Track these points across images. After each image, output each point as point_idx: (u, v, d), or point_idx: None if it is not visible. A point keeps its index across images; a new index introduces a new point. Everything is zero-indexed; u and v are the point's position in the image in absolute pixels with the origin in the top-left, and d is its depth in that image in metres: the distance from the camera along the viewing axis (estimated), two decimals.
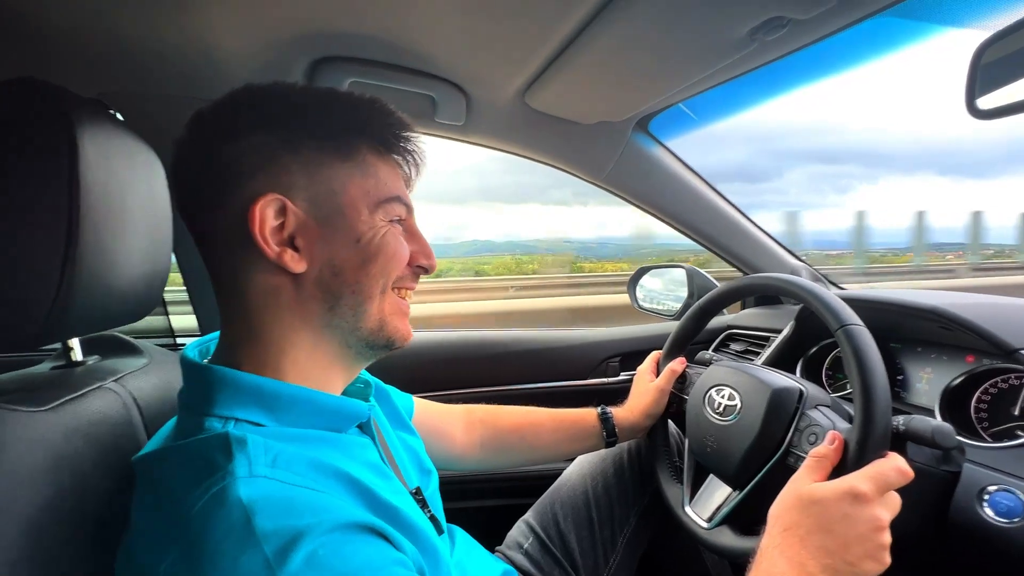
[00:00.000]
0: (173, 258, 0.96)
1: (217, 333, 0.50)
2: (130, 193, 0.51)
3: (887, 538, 0.48)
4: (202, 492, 0.35)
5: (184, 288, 1.04)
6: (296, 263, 0.44)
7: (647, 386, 0.86)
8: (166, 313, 1.13)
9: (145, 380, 0.60)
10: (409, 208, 0.50)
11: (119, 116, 0.81)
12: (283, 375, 0.45)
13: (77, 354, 0.59)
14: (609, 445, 0.84)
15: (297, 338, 0.46)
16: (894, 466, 0.50)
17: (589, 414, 0.85)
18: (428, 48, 0.75)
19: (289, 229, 0.44)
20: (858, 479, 0.49)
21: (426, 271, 0.52)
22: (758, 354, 1.04)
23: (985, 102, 0.46)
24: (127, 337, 0.69)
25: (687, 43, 0.66)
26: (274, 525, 0.33)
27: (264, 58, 0.76)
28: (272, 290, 0.45)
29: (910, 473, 0.50)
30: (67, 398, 0.48)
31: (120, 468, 0.49)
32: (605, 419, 0.83)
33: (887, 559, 0.48)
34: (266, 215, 0.42)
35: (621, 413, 0.85)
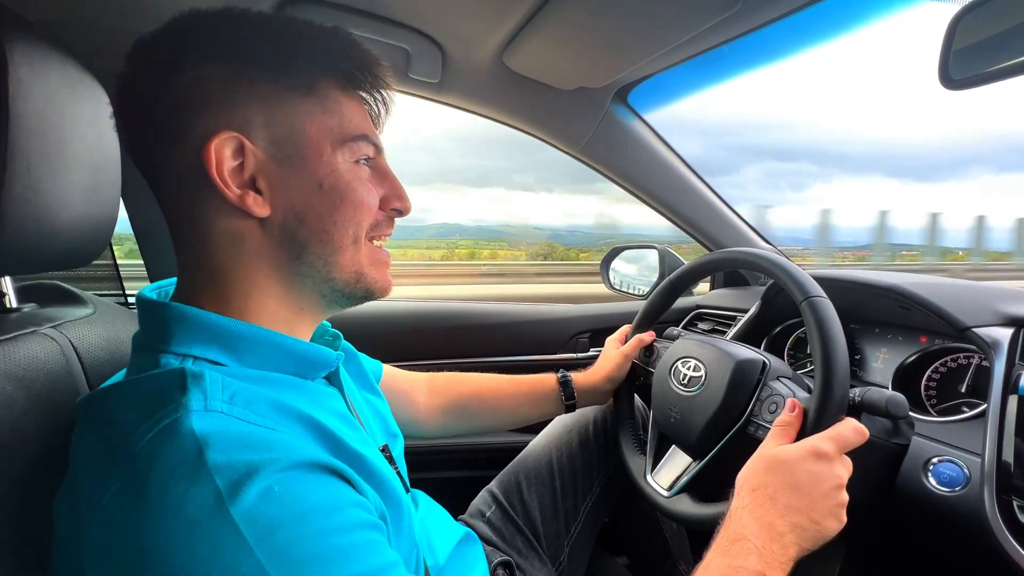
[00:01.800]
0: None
1: (174, 279, 0.47)
2: (71, 125, 0.48)
3: (846, 497, 0.50)
4: (152, 424, 0.33)
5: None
6: (259, 207, 0.41)
7: (613, 351, 0.87)
8: (117, 273, 1.07)
9: (89, 330, 0.56)
10: (378, 148, 0.47)
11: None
12: (248, 318, 0.43)
13: (11, 300, 0.55)
14: (569, 409, 0.85)
15: (264, 283, 0.43)
16: (852, 427, 0.52)
17: (549, 378, 0.85)
18: None
19: (249, 170, 0.41)
20: (820, 439, 0.51)
21: (400, 213, 0.49)
22: (725, 333, 1.06)
23: (958, 72, 0.47)
24: (70, 286, 0.65)
25: (668, 3, 0.64)
26: (228, 459, 0.32)
27: None
28: (237, 235, 0.42)
29: (865, 432, 0.52)
30: None
31: (57, 416, 0.46)
32: (564, 383, 0.84)
33: (845, 517, 0.50)
34: (223, 155, 0.39)
35: (581, 377, 0.86)
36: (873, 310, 0.86)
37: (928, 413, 0.73)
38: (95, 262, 0.63)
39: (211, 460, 0.31)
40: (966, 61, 0.46)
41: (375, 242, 0.48)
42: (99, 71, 0.51)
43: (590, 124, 1.02)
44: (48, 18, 0.72)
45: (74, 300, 0.62)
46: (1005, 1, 0.44)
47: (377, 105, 0.49)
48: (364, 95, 0.47)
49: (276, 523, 0.31)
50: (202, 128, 0.40)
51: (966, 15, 0.46)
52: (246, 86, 0.41)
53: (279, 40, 0.42)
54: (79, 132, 0.48)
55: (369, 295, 0.48)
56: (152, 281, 0.99)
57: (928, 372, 0.77)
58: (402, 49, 0.81)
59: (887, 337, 0.84)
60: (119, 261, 1.08)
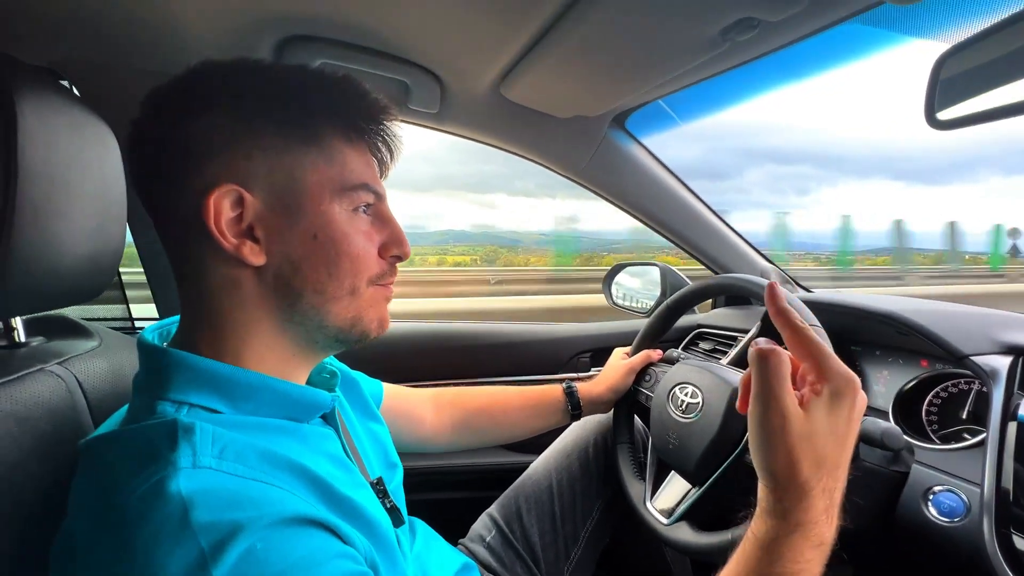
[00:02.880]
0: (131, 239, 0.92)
1: (178, 317, 0.48)
2: (76, 167, 0.49)
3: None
4: (142, 481, 0.34)
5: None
6: (255, 256, 0.42)
7: (619, 362, 0.89)
8: (125, 300, 1.08)
9: (94, 364, 0.57)
10: (379, 196, 0.48)
11: (74, 89, 0.77)
12: (243, 363, 0.43)
13: (20, 335, 0.56)
14: (574, 418, 0.86)
15: (258, 329, 0.44)
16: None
17: (555, 389, 0.86)
18: (401, 32, 0.73)
19: (248, 219, 0.42)
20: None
21: (400, 259, 0.50)
22: (726, 353, 1.06)
23: (944, 113, 0.47)
24: (77, 319, 0.66)
25: (660, 40, 0.66)
26: (212, 518, 0.32)
27: (230, 32, 0.73)
28: (232, 282, 0.43)
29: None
30: (1, 380, 0.46)
31: (60, 456, 0.46)
32: (570, 393, 0.86)
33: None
34: (222, 207, 0.40)
35: (585, 387, 0.87)
36: (874, 333, 0.86)
37: (930, 439, 0.72)
38: None
39: (195, 520, 0.32)
40: (952, 101, 0.47)
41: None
42: (104, 111, 0.53)
43: (588, 150, 1.03)
44: (54, 59, 0.74)
45: (80, 332, 0.64)
46: (987, 44, 0.44)
47: (383, 152, 0.49)
48: (369, 143, 0.48)
49: None
50: (205, 178, 0.41)
51: (950, 57, 0.46)
52: (251, 137, 0.42)
53: (289, 91, 0.43)
54: (85, 174, 0.49)
55: (365, 338, 0.48)
56: (160, 315, 1.01)
57: (929, 397, 0.77)
58: (401, 82, 0.83)
59: (888, 360, 0.84)
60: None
